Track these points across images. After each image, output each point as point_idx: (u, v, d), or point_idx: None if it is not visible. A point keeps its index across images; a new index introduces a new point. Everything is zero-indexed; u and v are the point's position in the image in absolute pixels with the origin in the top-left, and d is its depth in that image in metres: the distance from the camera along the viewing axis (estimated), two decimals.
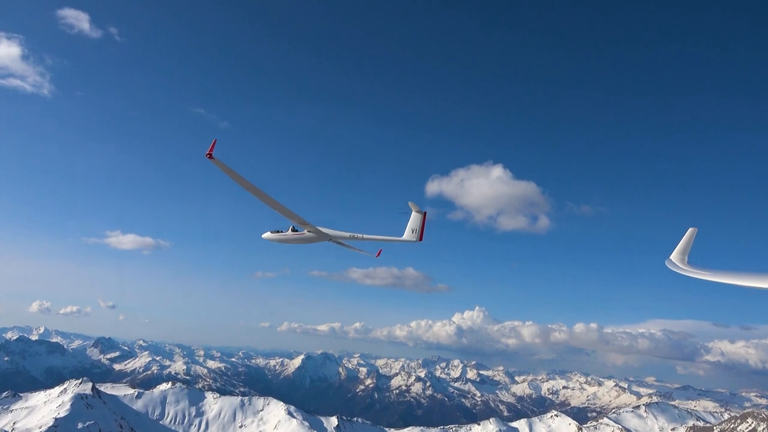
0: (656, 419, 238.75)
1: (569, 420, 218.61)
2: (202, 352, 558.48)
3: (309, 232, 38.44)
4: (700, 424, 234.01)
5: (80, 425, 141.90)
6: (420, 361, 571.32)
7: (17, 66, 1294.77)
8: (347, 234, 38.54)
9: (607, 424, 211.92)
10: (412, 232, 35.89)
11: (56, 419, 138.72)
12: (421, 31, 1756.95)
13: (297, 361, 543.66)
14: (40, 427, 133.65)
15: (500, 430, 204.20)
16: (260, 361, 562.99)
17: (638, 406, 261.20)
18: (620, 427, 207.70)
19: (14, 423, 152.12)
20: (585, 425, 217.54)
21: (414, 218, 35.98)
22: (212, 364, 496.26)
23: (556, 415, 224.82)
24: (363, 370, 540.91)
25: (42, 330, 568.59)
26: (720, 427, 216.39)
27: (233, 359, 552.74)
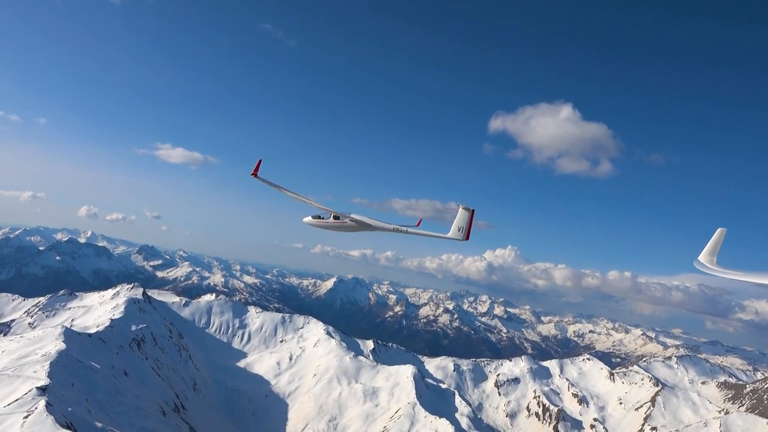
0: (686, 371, 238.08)
1: (600, 365, 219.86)
2: (238, 267, 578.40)
3: (351, 221, 38.02)
4: (732, 380, 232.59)
5: (133, 327, 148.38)
6: (448, 294, 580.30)
7: None
8: (391, 227, 37.66)
9: (636, 372, 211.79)
10: (459, 230, 34.05)
11: (112, 320, 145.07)
12: None
13: (329, 283, 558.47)
14: (97, 326, 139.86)
15: (531, 367, 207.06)
16: (293, 280, 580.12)
17: (669, 357, 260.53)
18: (650, 375, 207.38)
19: (72, 320, 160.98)
20: (614, 371, 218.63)
21: (461, 216, 33.96)
22: (248, 279, 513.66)
23: (588, 359, 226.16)
24: (392, 297, 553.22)
25: (89, 234, 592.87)
26: (753, 385, 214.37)
27: (268, 276, 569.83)
